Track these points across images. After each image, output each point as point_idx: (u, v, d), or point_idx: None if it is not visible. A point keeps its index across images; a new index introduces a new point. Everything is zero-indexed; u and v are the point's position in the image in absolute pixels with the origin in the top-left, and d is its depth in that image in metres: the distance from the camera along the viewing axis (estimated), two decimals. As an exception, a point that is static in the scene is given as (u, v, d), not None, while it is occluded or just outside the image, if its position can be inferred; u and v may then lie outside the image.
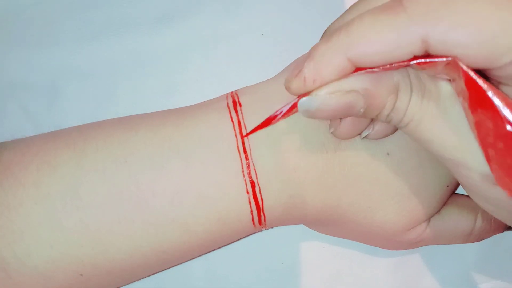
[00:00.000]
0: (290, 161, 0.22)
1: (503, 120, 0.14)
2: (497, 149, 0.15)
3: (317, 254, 0.28)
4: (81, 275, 0.22)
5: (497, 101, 0.15)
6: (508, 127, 0.14)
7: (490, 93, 0.15)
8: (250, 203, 0.22)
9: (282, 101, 0.22)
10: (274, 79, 0.24)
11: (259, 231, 0.24)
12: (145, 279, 0.26)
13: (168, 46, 0.29)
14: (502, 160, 0.15)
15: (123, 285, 0.25)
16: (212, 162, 0.22)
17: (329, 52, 0.17)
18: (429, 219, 0.24)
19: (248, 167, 0.22)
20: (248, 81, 0.25)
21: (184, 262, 0.25)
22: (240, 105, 0.23)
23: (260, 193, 0.22)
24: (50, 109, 0.29)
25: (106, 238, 0.21)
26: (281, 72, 0.25)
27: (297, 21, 0.29)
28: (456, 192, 0.25)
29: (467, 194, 0.25)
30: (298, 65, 0.18)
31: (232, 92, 0.24)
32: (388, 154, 0.22)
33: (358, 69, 0.17)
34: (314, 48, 0.17)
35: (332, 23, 0.20)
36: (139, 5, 0.30)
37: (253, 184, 0.22)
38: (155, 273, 0.25)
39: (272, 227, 0.25)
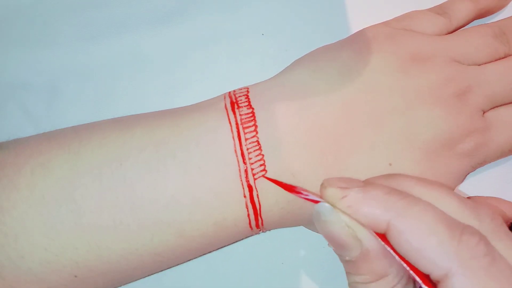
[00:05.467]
0: (289, 166, 0.22)
1: None
2: None
3: (317, 254, 0.28)
4: (76, 276, 0.22)
5: None
6: None
7: None
8: (247, 207, 0.22)
9: (282, 102, 0.22)
10: (275, 79, 0.24)
11: (256, 234, 0.24)
12: (144, 278, 0.26)
13: (168, 46, 0.29)
14: None
15: (119, 286, 0.25)
16: (210, 167, 0.22)
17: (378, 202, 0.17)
18: None
19: (246, 172, 0.22)
20: (248, 81, 0.25)
21: (181, 264, 0.25)
22: (239, 106, 0.23)
23: (258, 197, 0.22)
24: (50, 109, 0.29)
25: (101, 241, 0.21)
26: (281, 72, 0.25)
27: (297, 21, 0.29)
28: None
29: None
30: (352, 181, 0.18)
31: (230, 92, 0.24)
32: (390, 164, 0.22)
33: (382, 237, 0.17)
34: (376, 187, 0.17)
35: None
36: (139, 5, 0.30)
37: (250, 188, 0.22)
38: (151, 274, 0.25)
39: (269, 230, 0.25)
